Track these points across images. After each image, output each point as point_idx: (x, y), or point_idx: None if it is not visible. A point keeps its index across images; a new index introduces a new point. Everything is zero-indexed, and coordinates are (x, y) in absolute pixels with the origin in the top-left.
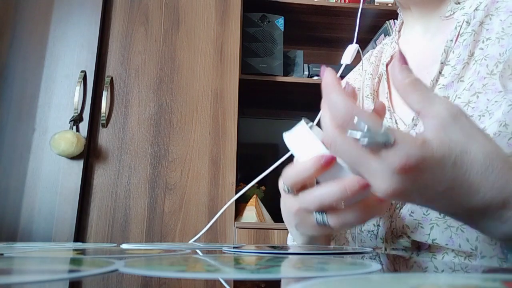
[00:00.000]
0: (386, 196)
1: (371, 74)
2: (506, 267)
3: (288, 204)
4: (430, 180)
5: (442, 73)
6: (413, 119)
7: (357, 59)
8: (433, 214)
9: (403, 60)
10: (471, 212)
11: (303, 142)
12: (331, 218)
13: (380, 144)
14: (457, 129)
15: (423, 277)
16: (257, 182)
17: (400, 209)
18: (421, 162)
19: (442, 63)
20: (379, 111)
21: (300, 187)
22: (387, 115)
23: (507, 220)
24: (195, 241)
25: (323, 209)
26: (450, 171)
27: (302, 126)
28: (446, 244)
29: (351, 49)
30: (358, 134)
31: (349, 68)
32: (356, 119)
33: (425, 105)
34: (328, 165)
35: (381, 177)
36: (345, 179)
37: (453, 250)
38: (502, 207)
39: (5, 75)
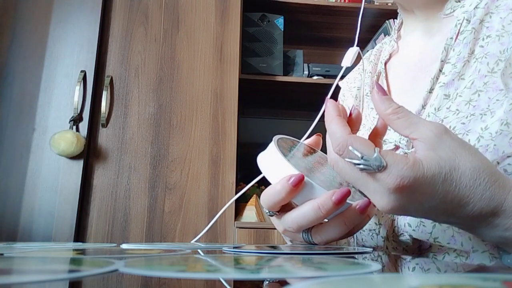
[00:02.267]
0: (385, 211)
1: (370, 72)
2: (501, 265)
3: (275, 225)
4: (424, 196)
5: (443, 71)
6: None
7: (358, 58)
8: None
9: (382, 91)
10: (464, 221)
11: (272, 163)
12: (314, 235)
13: (374, 168)
14: (445, 148)
15: (423, 278)
16: (257, 182)
17: None
18: (413, 182)
19: (442, 61)
20: (380, 130)
21: (281, 208)
22: None
23: (497, 226)
24: (195, 241)
25: (305, 229)
26: (441, 187)
27: (271, 147)
28: (448, 243)
29: (352, 52)
30: (354, 161)
31: (349, 69)
32: (350, 147)
33: (412, 130)
34: (297, 185)
35: (380, 196)
36: (318, 199)
37: (454, 250)
38: (491, 215)
39: (5, 75)
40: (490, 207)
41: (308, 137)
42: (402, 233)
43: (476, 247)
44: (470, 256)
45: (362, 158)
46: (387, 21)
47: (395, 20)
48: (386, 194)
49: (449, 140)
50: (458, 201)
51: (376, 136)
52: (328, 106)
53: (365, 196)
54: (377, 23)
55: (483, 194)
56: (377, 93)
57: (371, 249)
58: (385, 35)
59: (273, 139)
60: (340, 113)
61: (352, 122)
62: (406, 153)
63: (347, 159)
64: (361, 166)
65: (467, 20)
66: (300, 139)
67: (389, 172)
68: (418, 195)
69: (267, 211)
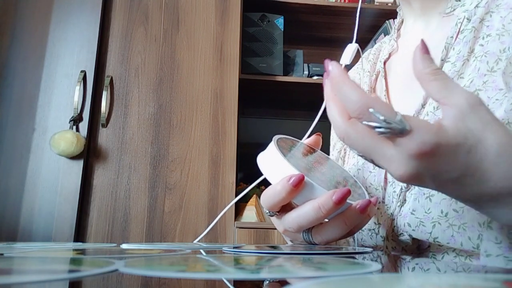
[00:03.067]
0: (401, 179)
1: (368, 71)
2: (509, 267)
3: (276, 225)
4: (444, 166)
5: (442, 70)
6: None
7: (357, 58)
8: (435, 213)
9: (425, 49)
10: (482, 198)
11: (272, 163)
12: (315, 235)
13: (396, 132)
14: (475, 119)
15: (423, 278)
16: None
17: (401, 207)
18: (436, 148)
19: (442, 60)
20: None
21: (281, 209)
22: None
23: None
24: (195, 241)
25: (305, 229)
26: (464, 159)
27: (271, 147)
28: (448, 243)
29: (350, 49)
30: (374, 124)
31: (348, 67)
32: (371, 109)
33: (445, 95)
34: (297, 185)
35: (397, 162)
36: (318, 199)
37: (454, 250)
38: (510, 196)
39: (5, 75)
40: (511, 187)
41: (308, 136)
42: (402, 233)
43: (489, 250)
44: (482, 260)
45: (384, 120)
46: (387, 21)
47: (395, 20)
48: (405, 161)
49: (482, 112)
50: (480, 176)
51: None
52: (333, 68)
53: (378, 166)
54: (377, 23)
55: (506, 172)
56: (420, 50)
57: (371, 249)
58: (385, 35)
59: (273, 139)
60: (348, 76)
61: None
62: None
63: (366, 123)
64: (382, 130)
65: (467, 19)
66: (300, 139)
67: (411, 136)
68: (439, 163)
69: (267, 211)
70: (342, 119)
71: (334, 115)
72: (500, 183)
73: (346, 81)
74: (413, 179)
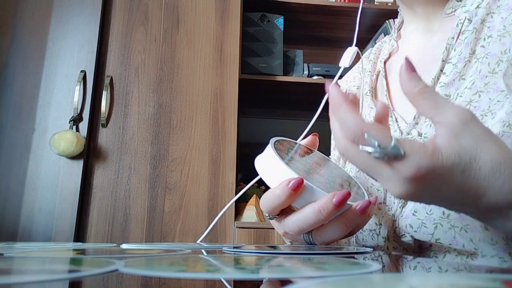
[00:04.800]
0: (398, 198)
1: (369, 71)
2: (507, 267)
3: (275, 227)
4: (440, 185)
5: (443, 71)
6: (414, 118)
7: (357, 58)
8: (437, 214)
9: (411, 68)
10: (479, 211)
11: (270, 167)
12: (315, 236)
13: (391, 157)
14: (468, 136)
15: (424, 277)
16: (257, 181)
17: (403, 208)
18: (431, 172)
19: (443, 61)
20: (382, 114)
21: (280, 212)
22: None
23: None
24: (194, 241)
25: (306, 231)
26: (459, 178)
27: (269, 150)
28: (450, 244)
29: (350, 52)
30: (369, 149)
31: (347, 69)
32: (366, 135)
33: (436, 113)
34: (296, 189)
35: (393, 182)
36: (318, 201)
37: (455, 249)
38: (508, 207)
39: (5, 75)
40: (507, 200)
41: (305, 137)
42: (404, 234)
43: (484, 251)
44: (478, 260)
45: (378, 146)
46: (387, 21)
47: (395, 20)
48: (401, 182)
49: (474, 128)
50: (475, 192)
51: (384, 118)
52: (332, 91)
53: (374, 179)
54: (377, 23)
55: (501, 187)
56: (405, 70)
57: (371, 249)
58: (385, 35)
59: (270, 141)
60: (347, 99)
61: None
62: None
63: (361, 149)
64: (377, 155)
65: (468, 19)
66: (299, 139)
67: (407, 161)
68: (434, 184)
69: (267, 215)
70: (343, 136)
71: (335, 131)
72: (495, 197)
73: (343, 105)
74: (410, 198)
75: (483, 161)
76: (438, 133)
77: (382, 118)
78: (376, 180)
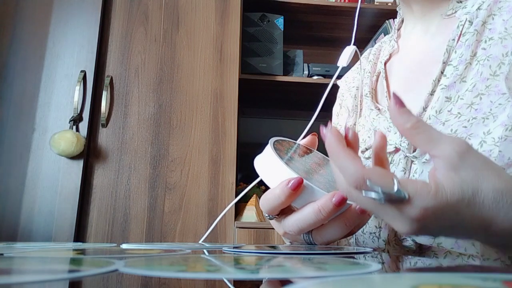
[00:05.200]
0: (408, 235)
1: (369, 72)
2: (507, 267)
3: (275, 227)
4: (446, 221)
5: (444, 73)
6: None
7: (356, 57)
8: None
9: (400, 103)
10: (485, 238)
11: (270, 167)
12: (315, 236)
13: (395, 201)
14: (467, 168)
15: (423, 277)
16: (257, 182)
17: None
18: (437, 211)
19: (444, 63)
20: (381, 145)
21: (280, 212)
22: (387, 116)
23: None
24: (194, 241)
25: (306, 231)
26: (464, 211)
27: (268, 150)
28: (452, 248)
29: (348, 51)
30: (373, 195)
31: (346, 69)
32: (368, 181)
33: (432, 147)
34: (296, 189)
35: (400, 222)
36: (318, 201)
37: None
38: None
39: (5, 75)
40: None
41: (304, 137)
42: (405, 238)
43: (486, 255)
44: (479, 262)
45: (382, 192)
46: (387, 21)
47: (395, 20)
48: (408, 221)
49: (472, 159)
50: (481, 222)
51: (381, 150)
52: (329, 136)
53: (381, 218)
54: (377, 23)
55: (506, 215)
56: (394, 105)
57: (371, 249)
58: (385, 35)
59: (269, 141)
60: (344, 143)
61: (349, 143)
62: (407, 156)
63: (364, 195)
64: (382, 202)
65: (469, 21)
66: (299, 139)
67: (412, 203)
68: (440, 220)
69: (266, 215)
70: (344, 181)
71: (337, 176)
72: (501, 226)
73: (341, 153)
74: (417, 234)
75: (485, 193)
76: (437, 167)
77: (381, 150)
78: (382, 219)
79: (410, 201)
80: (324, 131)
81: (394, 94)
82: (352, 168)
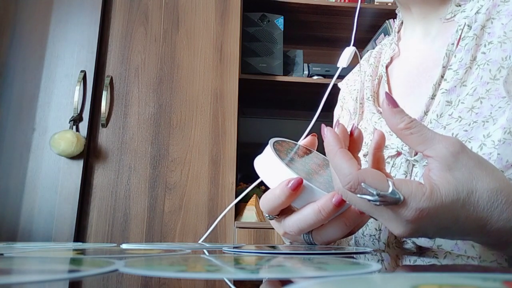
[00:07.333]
0: (403, 237)
1: (370, 75)
2: (507, 267)
3: (275, 227)
4: (441, 221)
5: (444, 77)
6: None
7: (356, 58)
8: None
9: (393, 103)
10: (481, 239)
11: (270, 167)
12: (315, 236)
13: (390, 203)
14: (461, 168)
15: (423, 277)
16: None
17: None
18: (432, 211)
19: (444, 67)
20: (379, 143)
21: (280, 212)
22: None
23: None
24: (194, 241)
25: (306, 231)
26: (459, 211)
27: (268, 151)
28: (452, 250)
29: (348, 52)
30: (368, 197)
31: (346, 69)
32: (363, 184)
33: (426, 147)
34: (296, 189)
35: (395, 223)
36: (318, 201)
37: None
38: (509, 235)
39: (5, 75)
40: (507, 227)
41: (306, 137)
42: (405, 241)
43: (483, 257)
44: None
45: (377, 195)
46: (387, 21)
47: (395, 20)
48: (403, 223)
49: (466, 159)
50: (476, 222)
51: (379, 149)
52: (328, 136)
53: (376, 219)
54: (377, 23)
55: (500, 215)
56: (387, 105)
57: (371, 249)
58: (385, 35)
59: (269, 142)
60: (341, 144)
61: (354, 141)
62: (408, 159)
63: (359, 197)
64: (377, 203)
65: (468, 26)
66: (299, 139)
67: (407, 205)
68: (435, 221)
69: (267, 215)
70: (340, 182)
71: (334, 176)
72: (496, 226)
73: (338, 152)
74: (412, 236)
75: (480, 193)
76: (431, 168)
77: (379, 148)
78: (377, 220)
79: (405, 203)
80: (325, 130)
81: (387, 94)
82: (347, 169)
